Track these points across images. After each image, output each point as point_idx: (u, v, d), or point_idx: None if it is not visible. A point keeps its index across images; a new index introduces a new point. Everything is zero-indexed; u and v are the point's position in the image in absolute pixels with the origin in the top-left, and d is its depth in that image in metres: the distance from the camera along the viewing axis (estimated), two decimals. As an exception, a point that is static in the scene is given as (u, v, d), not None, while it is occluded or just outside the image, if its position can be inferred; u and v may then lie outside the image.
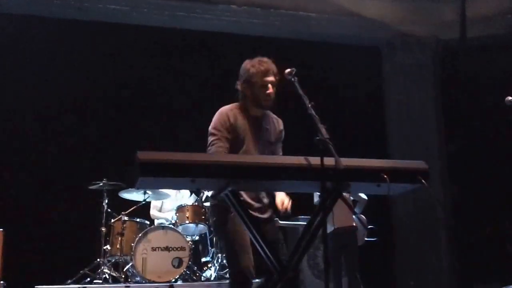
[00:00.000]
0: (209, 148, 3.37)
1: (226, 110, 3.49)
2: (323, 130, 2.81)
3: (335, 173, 2.69)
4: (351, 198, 5.32)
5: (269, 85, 3.43)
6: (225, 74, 7.04)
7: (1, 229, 5.01)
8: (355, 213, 5.38)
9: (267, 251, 2.80)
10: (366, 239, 5.60)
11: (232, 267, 3.38)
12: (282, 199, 3.50)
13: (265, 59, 3.48)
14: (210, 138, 3.41)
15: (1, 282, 4.83)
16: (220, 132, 3.38)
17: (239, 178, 2.72)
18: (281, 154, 3.60)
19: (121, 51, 7.04)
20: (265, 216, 3.46)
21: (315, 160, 2.74)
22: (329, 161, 2.72)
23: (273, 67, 3.45)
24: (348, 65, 7.48)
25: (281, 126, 3.64)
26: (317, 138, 2.78)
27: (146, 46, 7.18)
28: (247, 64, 3.49)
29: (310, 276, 5.89)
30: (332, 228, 5.27)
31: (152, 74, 7.13)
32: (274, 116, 3.63)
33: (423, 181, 2.79)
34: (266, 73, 3.42)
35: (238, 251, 3.30)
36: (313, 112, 2.93)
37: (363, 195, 5.50)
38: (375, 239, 5.51)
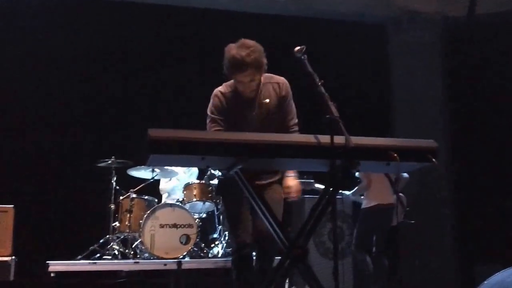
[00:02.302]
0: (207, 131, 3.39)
1: (218, 93, 3.46)
2: (333, 108, 2.81)
3: (344, 151, 2.71)
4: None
5: (245, 82, 3.32)
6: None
7: (12, 206, 5.05)
8: (396, 192, 5.23)
9: (276, 228, 2.83)
10: (401, 220, 5.45)
11: (231, 236, 3.48)
12: (289, 185, 3.53)
13: (241, 50, 3.24)
14: (207, 122, 3.44)
15: (13, 257, 4.89)
16: (215, 116, 3.40)
17: (249, 156, 2.74)
18: (291, 116, 3.51)
19: (129, 27, 7.01)
20: (268, 181, 3.47)
21: (324, 138, 2.75)
22: (338, 139, 2.74)
23: (252, 58, 3.23)
24: (353, 44, 7.43)
25: (284, 90, 3.49)
26: (327, 116, 2.79)
27: (153, 23, 7.14)
28: (226, 51, 3.31)
29: (315, 254, 5.94)
30: (370, 205, 5.20)
31: (162, 50, 7.10)
32: (275, 80, 3.49)
33: (433, 160, 2.79)
34: (239, 69, 3.26)
35: (236, 222, 3.37)
36: (322, 90, 2.93)
37: (404, 174, 5.34)
38: (412, 221, 5.29)
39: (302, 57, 3.11)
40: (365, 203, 5.36)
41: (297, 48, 3.18)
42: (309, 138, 2.79)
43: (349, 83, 7.23)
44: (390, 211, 5.31)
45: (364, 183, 5.33)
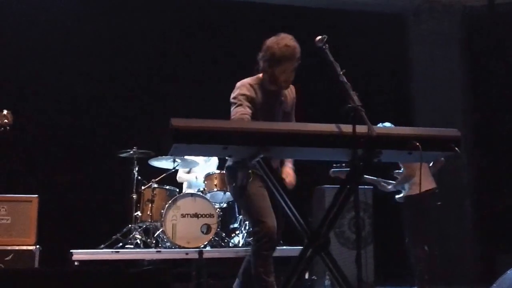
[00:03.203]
0: (232, 116, 3.40)
1: (245, 84, 3.51)
2: (355, 98, 2.81)
3: (367, 140, 2.70)
4: None
5: (290, 72, 3.42)
6: (251, 44, 7.07)
7: (36, 196, 5.12)
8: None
9: (298, 217, 2.85)
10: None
11: (258, 227, 3.43)
12: (287, 172, 3.58)
13: (291, 41, 3.39)
14: (233, 106, 3.44)
15: (37, 246, 4.96)
16: (242, 102, 3.42)
17: (270, 145, 2.75)
18: (294, 121, 3.64)
19: (151, 16, 7.05)
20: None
21: (346, 128, 2.75)
22: (360, 128, 2.73)
23: (297, 51, 3.40)
24: (373, 34, 7.38)
25: (294, 94, 3.67)
26: (349, 105, 2.78)
27: (174, 16, 7.16)
28: (272, 43, 3.42)
29: (336, 244, 5.94)
30: (417, 192, 5.09)
31: (185, 40, 7.11)
32: None
33: (456, 149, 2.78)
34: (290, 58, 3.38)
35: (263, 212, 3.38)
36: (344, 79, 2.93)
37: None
38: (439, 203, 5.25)
39: (323, 47, 3.12)
40: (410, 191, 5.21)
41: (318, 38, 3.18)
42: (331, 128, 2.80)
43: (369, 73, 7.19)
44: (435, 195, 5.24)
45: (406, 171, 5.24)
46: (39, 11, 6.56)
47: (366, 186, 5.87)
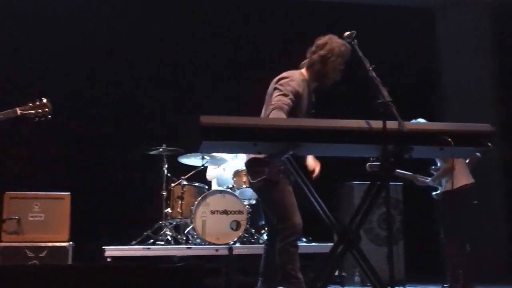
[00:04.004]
0: (273, 103, 3.40)
1: (298, 79, 3.53)
2: (385, 93, 2.79)
3: (397, 136, 2.68)
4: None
5: (339, 71, 3.50)
6: (279, 38, 7.06)
7: (68, 193, 5.21)
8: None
9: (328, 213, 2.84)
10: None
11: (287, 223, 3.47)
12: (312, 164, 3.61)
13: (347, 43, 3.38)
14: (277, 94, 3.44)
15: (70, 243, 5.04)
16: (288, 92, 3.42)
17: (300, 141, 2.74)
18: None
19: (179, 16, 7.09)
20: None
21: (376, 124, 2.73)
22: (391, 124, 2.71)
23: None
24: (400, 29, 7.29)
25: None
26: (379, 101, 2.76)
27: (201, 12, 7.20)
28: (332, 40, 3.46)
29: (365, 240, 5.90)
30: (455, 186, 5.01)
31: (214, 38, 7.13)
32: None
33: (489, 144, 2.73)
34: (345, 58, 3.45)
35: (292, 209, 3.45)
36: (374, 74, 2.91)
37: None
38: (475, 202, 5.16)
39: (352, 42, 3.10)
40: (446, 187, 5.15)
41: (347, 33, 3.18)
42: (361, 123, 2.77)
43: (398, 68, 7.11)
44: (472, 190, 5.16)
45: (443, 167, 5.16)
46: (66, 8, 6.65)
47: (396, 182, 5.81)
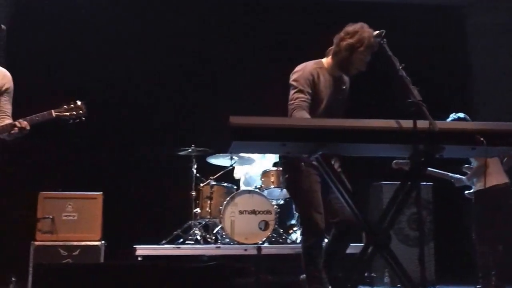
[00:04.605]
0: (291, 102, 3.39)
1: (310, 67, 3.49)
2: (415, 92, 2.77)
3: (428, 135, 2.66)
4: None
5: (365, 62, 3.43)
6: (307, 37, 7.04)
7: (101, 193, 5.29)
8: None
9: (358, 213, 2.83)
10: None
11: (306, 223, 3.45)
12: None
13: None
14: (293, 91, 3.42)
15: (102, 242, 5.12)
16: (302, 86, 3.40)
17: (329, 141, 2.74)
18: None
19: (208, 15, 7.13)
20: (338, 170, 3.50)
21: (406, 123, 2.71)
22: (421, 123, 2.69)
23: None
24: (430, 27, 7.20)
25: (349, 83, 3.67)
26: (409, 100, 2.74)
27: (229, 11, 7.23)
28: (362, 29, 3.37)
29: (394, 241, 5.85)
30: (488, 185, 4.87)
31: (242, 38, 7.16)
32: None
33: (523, 143, 2.69)
34: (372, 49, 3.36)
35: (312, 210, 3.39)
36: (404, 74, 2.89)
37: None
38: None
39: (382, 41, 3.09)
40: (480, 185, 5.06)
41: (376, 32, 3.17)
42: (391, 123, 2.76)
43: (428, 67, 7.03)
44: (507, 190, 5.07)
45: (477, 166, 5.09)
46: (98, 12, 6.76)
47: (426, 182, 5.75)
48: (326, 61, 3.55)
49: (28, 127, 3.50)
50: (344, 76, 3.62)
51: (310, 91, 3.40)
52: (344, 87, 3.60)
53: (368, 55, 3.41)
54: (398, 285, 5.39)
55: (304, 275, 3.51)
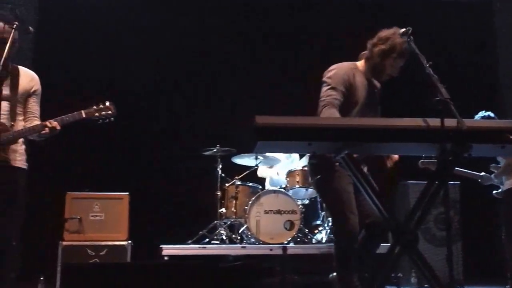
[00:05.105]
0: (323, 99, 3.36)
1: (347, 67, 3.47)
2: (443, 90, 2.73)
3: (456, 134, 2.62)
4: None
5: (398, 68, 3.43)
6: (331, 37, 7.02)
7: (127, 193, 5.35)
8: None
9: (385, 213, 2.80)
10: None
11: (340, 225, 3.39)
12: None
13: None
14: (326, 88, 3.39)
15: (129, 242, 5.17)
16: (336, 84, 3.37)
17: (355, 141, 2.72)
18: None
19: (233, 17, 7.14)
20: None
21: (434, 122, 2.68)
22: (449, 122, 2.65)
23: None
24: (457, 23, 7.09)
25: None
26: (437, 98, 2.71)
27: (254, 11, 7.24)
28: (395, 35, 3.34)
29: (421, 241, 5.79)
30: (511, 186, 4.85)
31: (266, 40, 7.16)
32: None
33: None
34: (405, 56, 3.35)
35: (347, 211, 3.33)
36: (431, 71, 2.85)
37: None
38: None
39: (408, 39, 3.05)
40: (509, 184, 4.95)
41: (402, 30, 3.13)
42: (418, 122, 2.72)
43: (454, 63, 6.93)
44: None
45: (505, 164, 4.99)
46: (126, 15, 6.82)
47: (453, 182, 5.67)
48: (360, 64, 3.54)
49: (58, 127, 3.55)
50: (375, 80, 3.62)
51: (343, 91, 3.37)
52: (376, 90, 3.59)
53: (400, 62, 3.39)
54: (425, 286, 5.33)
55: (334, 273, 3.48)
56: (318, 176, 3.52)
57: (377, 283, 2.75)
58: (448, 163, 2.76)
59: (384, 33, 3.41)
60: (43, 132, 3.53)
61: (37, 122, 3.64)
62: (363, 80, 3.49)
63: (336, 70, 3.43)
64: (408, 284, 5.61)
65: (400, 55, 3.35)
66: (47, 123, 3.54)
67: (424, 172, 4.96)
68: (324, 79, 3.43)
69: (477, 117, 5.00)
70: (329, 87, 3.37)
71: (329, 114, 3.26)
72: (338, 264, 3.43)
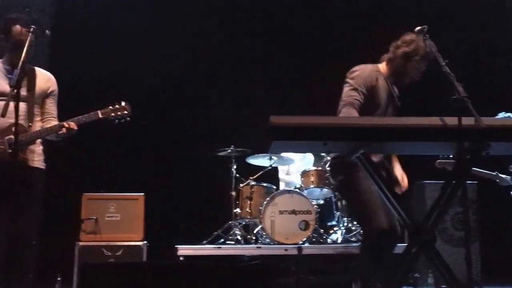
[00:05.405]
0: (344, 99, 3.36)
1: (370, 70, 3.47)
2: (460, 89, 2.70)
3: (474, 133, 2.59)
4: None
5: (420, 71, 3.43)
6: (346, 36, 6.99)
7: (142, 194, 5.36)
8: None
9: (402, 213, 2.78)
10: None
11: (368, 225, 3.35)
12: (401, 174, 3.53)
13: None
14: (347, 88, 3.39)
15: (145, 242, 5.19)
16: (358, 86, 3.36)
17: (371, 140, 2.70)
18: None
19: (248, 17, 7.15)
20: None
21: (451, 120, 2.65)
22: (466, 120, 2.62)
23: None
24: (473, 21, 7.03)
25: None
26: (454, 97, 2.68)
27: (268, 11, 7.23)
28: (421, 41, 3.26)
29: (438, 241, 5.74)
30: None
31: (280, 40, 7.15)
32: None
33: None
34: (428, 59, 3.35)
35: (375, 210, 3.30)
36: (448, 70, 2.82)
37: None
38: None
39: (424, 37, 3.03)
40: None
41: (418, 28, 3.10)
42: (435, 120, 2.69)
43: (472, 62, 6.86)
44: None
45: None
46: (142, 15, 6.85)
47: (470, 181, 5.62)
48: (382, 67, 3.54)
49: (75, 128, 3.58)
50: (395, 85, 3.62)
51: (365, 92, 3.36)
52: (396, 93, 3.60)
53: (423, 65, 3.40)
54: (443, 286, 5.28)
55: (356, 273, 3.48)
56: (341, 177, 3.50)
57: (394, 284, 2.72)
58: (466, 162, 2.74)
59: (408, 36, 3.43)
60: (61, 132, 3.57)
61: (54, 122, 3.68)
62: (384, 83, 3.50)
63: (360, 72, 3.43)
64: (425, 284, 5.56)
65: (423, 58, 3.36)
66: (65, 123, 3.58)
67: (441, 171, 4.93)
68: (347, 79, 3.44)
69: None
70: (351, 87, 3.37)
71: (348, 113, 3.25)
72: (363, 267, 3.41)
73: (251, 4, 7.18)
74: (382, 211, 3.30)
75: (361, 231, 3.53)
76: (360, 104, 3.31)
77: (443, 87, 2.82)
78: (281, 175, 6.50)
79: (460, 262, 5.07)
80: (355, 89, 3.35)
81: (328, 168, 3.73)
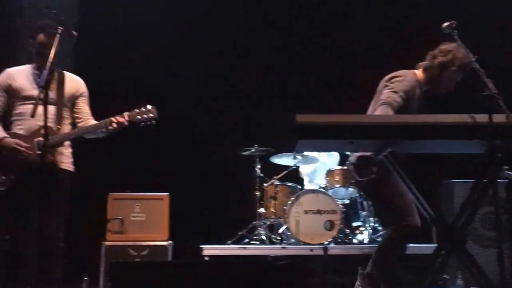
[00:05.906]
0: (382, 99, 3.35)
1: (412, 79, 3.48)
2: (490, 85, 2.64)
3: (505, 130, 2.52)
4: None
5: (454, 82, 3.43)
6: (370, 37, 6.90)
7: (167, 194, 5.38)
8: None
9: (431, 212, 2.73)
10: None
11: (405, 220, 3.35)
12: None
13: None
14: (388, 90, 3.39)
15: (170, 242, 5.20)
16: (399, 90, 3.36)
17: (398, 138, 2.66)
18: None
19: (275, 16, 7.11)
20: None
21: (481, 118, 2.59)
22: (497, 118, 2.56)
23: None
24: (501, 17, 6.87)
25: None
26: (484, 93, 2.62)
27: (293, 10, 7.20)
28: (459, 51, 3.32)
29: (468, 241, 5.62)
30: None
31: (305, 36, 7.11)
32: None
33: None
34: (464, 71, 3.35)
35: (411, 207, 3.30)
36: (477, 66, 2.77)
37: None
38: None
39: (452, 33, 2.98)
40: None
41: (446, 24, 3.05)
42: (464, 118, 2.64)
43: (502, 58, 6.71)
44: None
45: None
46: (169, 15, 6.86)
47: (500, 180, 5.50)
48: (418, 73, 3.52)
49: (126, 123, 3.61)
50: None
51: (404, 98, 3.37)
52: (423, 103, 3.58)
53: (458, 76, 3.40)
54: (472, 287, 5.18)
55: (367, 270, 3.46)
56: (372, 176, 3.47)
57: (424, 285, 2.67)
58: (498, 161, 2.67)
59: (445, 45, 3.43)
60: (111, 127, 3.59)
61: (93, 121, 3.72)
62: (419, 92, 3.51)
63: (402, 78, 3.45)
64: (454, 285, 5.46)
65: (459, 68, 3.36)
66: (113, 119, 3.60)
67: (470, 170, 4.82)
68: (388, 83, 3.45)
69: None
70: (391, 90, 3.38)
71: (384, 112, 3.23)
72: (387, 260, 3.38)
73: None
74: (415, 210, 3.28)
75: (387, 229, 3.47)
76: (398, 106, 3.30)
77: (472, 84, 2.76)
78: (305, 177, 6.45)
79: (490, 262, 4.96)
80: (395, 92, 3.36)
81: (352, 167, 3.69)
